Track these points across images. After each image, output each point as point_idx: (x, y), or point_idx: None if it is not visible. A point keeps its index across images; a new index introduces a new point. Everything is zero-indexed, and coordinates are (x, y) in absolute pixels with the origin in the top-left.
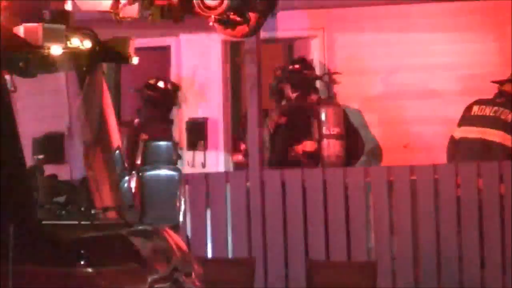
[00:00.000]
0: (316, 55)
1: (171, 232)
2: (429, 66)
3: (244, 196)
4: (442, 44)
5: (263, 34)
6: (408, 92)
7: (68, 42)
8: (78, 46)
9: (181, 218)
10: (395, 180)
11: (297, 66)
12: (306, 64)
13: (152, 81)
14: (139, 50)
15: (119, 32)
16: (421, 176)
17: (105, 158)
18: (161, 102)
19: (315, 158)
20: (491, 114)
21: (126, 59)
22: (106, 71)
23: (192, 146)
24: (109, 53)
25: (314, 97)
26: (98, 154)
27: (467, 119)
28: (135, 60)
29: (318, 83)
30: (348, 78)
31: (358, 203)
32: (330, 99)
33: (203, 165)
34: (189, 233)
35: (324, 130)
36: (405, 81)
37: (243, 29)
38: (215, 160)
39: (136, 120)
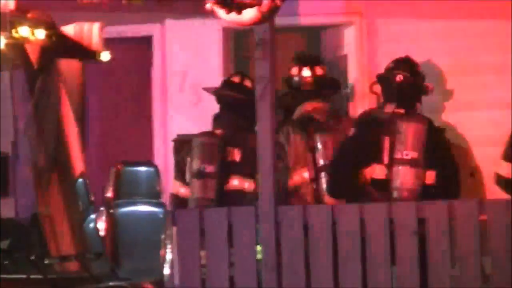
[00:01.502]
0: (350, 48)
1: None
2: (500, 67)
3: (253, 240)
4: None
5: (279, 21)
6: (472, 101)
7: (13, 31)
8: (28, 37)
9: (166, 271)
10: (457, 217)
11: (389, 64)
12: (404, 63)
13: (236, 79)
14: (111, 42)
15: (84, 17)
16: (492, 214)
17: (64, 188)
18: (249, 105)
19: (385, 188)
20: None
21: (92, 54)
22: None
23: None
24: (70, 46)
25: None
26: (54, 182)
27: None
28: (105, 56)
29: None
30: None
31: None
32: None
33: None
34: None
35: (396, 153)
36: (467, 86)
37: (252, 13)
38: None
39: (219, 131)
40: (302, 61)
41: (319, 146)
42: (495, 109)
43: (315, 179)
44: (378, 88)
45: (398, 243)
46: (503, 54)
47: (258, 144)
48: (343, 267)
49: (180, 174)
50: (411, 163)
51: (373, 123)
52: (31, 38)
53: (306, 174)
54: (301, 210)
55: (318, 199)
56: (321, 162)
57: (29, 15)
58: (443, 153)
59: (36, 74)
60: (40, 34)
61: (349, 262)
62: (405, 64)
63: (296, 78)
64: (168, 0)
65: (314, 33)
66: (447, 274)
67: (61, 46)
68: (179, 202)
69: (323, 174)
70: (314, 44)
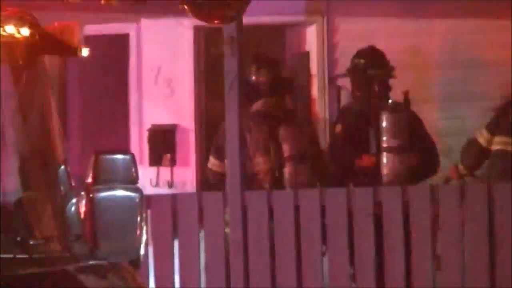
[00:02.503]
0: (312, 45)
1: (130, 269)
2: (455, 62)
3: (221, 224)
4: (470, 35)
5: (246, 20)
6: (431, 93)
7: (1, 30)
8: (13, 34)
9: (142, 251)
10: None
11: (361, 60)
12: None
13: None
14: (91, 40)
15: (65, 16)
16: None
17: (47, 175)
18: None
19: (374, 176)
20: None
21: (73, 50)
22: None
23: (156, 160)
24: (52, 43)
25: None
26: (37, 170)
27: (503, 128)
28: (84, 52)
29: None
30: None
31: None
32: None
33: (170, 185)
34: (151, 268)
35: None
36: (425, 82)
37: (222, 12)
38: (185, 178)
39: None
40: (259, 62)
41: (281, 138)
42: (451, 102)
43: (279, 168)
44: (342, 81)
45: (355, 227)
46: (456, 51)
47: (227, 132)
48: (306, 249)
49: (218, 152)
50: (395, 150)
51: (356, 116)
52: (17, 35)
53: (264, 163)
54: (265, 195)
55: (281, 187)
56: (285, 153)
57: (14, 15)
58: (421, 133)
59: (21, 69)
60: (25, 32)
61: (311, 244)
62: (371, 54)
63: (253, 77)
64: (143, 1)
65: (279, 30)
66: (402, 258)
67: (44, 43)
68: (216, 177)
69: (287, 164)
70: (279, 41)
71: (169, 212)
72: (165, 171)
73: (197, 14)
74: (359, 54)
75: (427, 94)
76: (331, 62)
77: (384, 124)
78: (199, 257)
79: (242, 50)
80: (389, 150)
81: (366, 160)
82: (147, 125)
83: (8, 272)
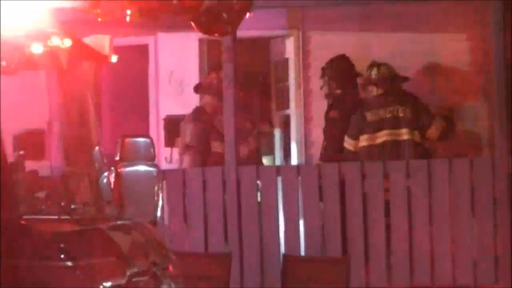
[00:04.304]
0: (290, 53)
1: (149, 227)
2: (403, 67)
3: (220, 192)
4: (414, 44)
5: (239, 34)
6: None
7: (49, 41)
8: (58, 45)
9: (158, 213)
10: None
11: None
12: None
13: None
14: (118, 49)
15: (98, 31)
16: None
17: (85, 154)
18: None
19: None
20: (388, 115)
21: (105, 57)
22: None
23: (170, 142)
24: (88, 51)
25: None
26: (78, 150)
27: (364, 128)
28: (114, 59)
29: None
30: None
31: (331, 198)
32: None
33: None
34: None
35: None
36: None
37: (220, 27)
38: None
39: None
40: (212, 68)
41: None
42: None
43: None
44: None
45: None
46: (405, 58)
47: (224, 121)
48: (286, 213)
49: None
50: None
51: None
52: (61, 46)
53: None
54: (254, 170)
55: None
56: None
57: (58, 30)
58: None
59: (65, 73)
60: (67, 42)
61: (289, 212)
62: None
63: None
64: (159, 19)
65: (265, 41)
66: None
67: (82, 51)
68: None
69: None
70: (265, 50)
71: (180, 183)
72: (177, 151)
73: (201, 29)
74: (333, 60)
75: None
76: (306, 66)
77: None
78: (203, 219)
79: (236, 57)
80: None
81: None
82: (163, 115)
83: (54, 230)
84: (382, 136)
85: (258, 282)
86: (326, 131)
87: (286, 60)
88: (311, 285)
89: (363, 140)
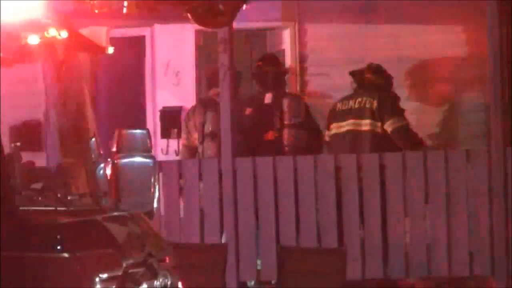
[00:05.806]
0: (287, 44)
1: (146, 218)
2: (398, 59)
3: (216, 183)
4: (410, 37)
5: (235, 25)
6: None
7: (45, 32)
8: (55, 36)
9: (155, 205)
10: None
11: (259, 62)
12: (269, 60)
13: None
14: (115, 40)
15: (94, 22)
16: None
17: (81, 145)
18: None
19: (277, 147)
20: (355, 106)
21: (101, 49)
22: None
23: (166, 134)
24: (85, 43)
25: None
26: (74, 141)
27: (333, 117)
28: (110, 50)
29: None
30: (318, 69)
31: (327, 190)
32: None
33: (177, 153)
34: (162, 218)
35: (285, 120)
36: None
37: (216, 19)
38: None
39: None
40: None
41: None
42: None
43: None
44: None
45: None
46: (397, 49)
47: (221, 111)
48: (282, 204)
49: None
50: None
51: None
52: (58, 37)
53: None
54: (250, 161)
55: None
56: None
57: (55, 21)
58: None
59: (61, 64)
60: (64, 34)
61: (285, 201)
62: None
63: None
64: (156, 10)
65: (262, 33)
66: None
67: (79, 43)
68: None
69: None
70: (262, 41)
71: (176, 174)
72: (173, 142)
73: (197, 21)
74: (260, 58)
75: None
76: (301, 56)
77: (285, 106)
78: (199, 210)
79: (232, 48)
80: (290, 126)
81: (269, 135)
82: (159, 107)
83: (50, 221)
84: (346, 126)
85: (254, 272)
86: None
87: (283, 51)
88: (307, 276)
89: (333, 129)
